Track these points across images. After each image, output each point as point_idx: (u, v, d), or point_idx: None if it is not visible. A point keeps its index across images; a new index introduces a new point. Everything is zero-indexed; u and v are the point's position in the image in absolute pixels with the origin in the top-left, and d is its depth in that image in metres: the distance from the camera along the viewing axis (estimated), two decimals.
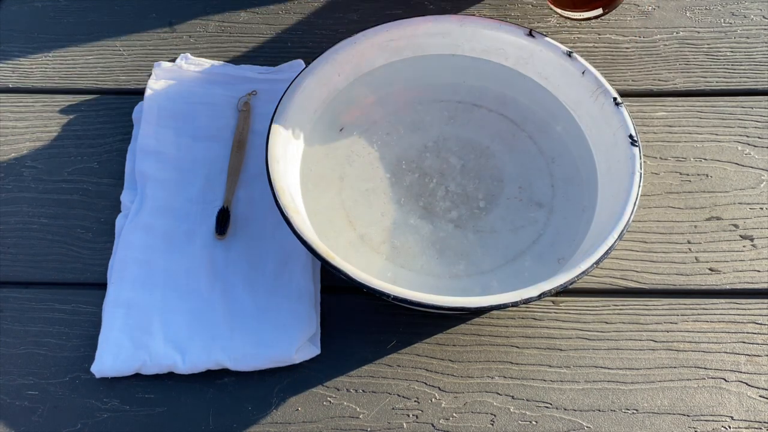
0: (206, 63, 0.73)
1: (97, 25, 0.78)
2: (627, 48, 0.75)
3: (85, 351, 0.58)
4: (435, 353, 0.58)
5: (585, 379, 0.57)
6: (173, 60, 0.73)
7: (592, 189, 0.62)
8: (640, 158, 0.58)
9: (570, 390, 0.56)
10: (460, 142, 0.66)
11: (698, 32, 0.76)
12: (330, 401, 0.56)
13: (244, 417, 0.55)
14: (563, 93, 0.66)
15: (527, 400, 0.56)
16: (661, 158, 0.67)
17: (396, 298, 0.52)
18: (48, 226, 0.64)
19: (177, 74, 0.71)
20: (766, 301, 0.60)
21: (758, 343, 0.58)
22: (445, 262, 0.60)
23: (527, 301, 0.51)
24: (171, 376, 0.57)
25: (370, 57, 0.67)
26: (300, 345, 0.57)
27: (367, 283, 0.52)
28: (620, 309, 0.60)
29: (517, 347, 0.58)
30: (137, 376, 0.57)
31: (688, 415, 0.55)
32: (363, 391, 0.56)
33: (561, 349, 0.58)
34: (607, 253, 0.53)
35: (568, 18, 0.71)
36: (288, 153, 0.61)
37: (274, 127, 0.60)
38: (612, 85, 0.63)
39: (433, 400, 0.56)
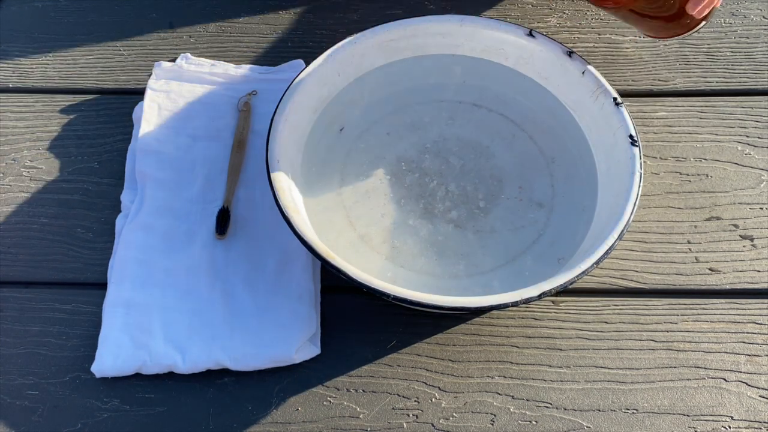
0: (206, 63, 0.73)
1: (97, 25, 0.78)
2: (627, 48, 0.75)
3: (85, 351, 0.58)
4: (435, 353, 0.58)
5: (585, 379, 0.57)
6: (173, 60, 0.73)
7: (592, 189, 0.62)
8: (640, 158, 0.58)
9: (570, 390, 0.56)
10: (460, 142, 0.66)
11: (698, 32, 0.76)
12: (330, 401, 0.56)
13: (244, 417, 0.55)
14: (563, 93, 0.66)
15: (527, 400, 0.56)
16: (661, 158, 0.67)
17: (396, 298, 0.52)
18: (48, 225, 0.64)
19: (177, 74, 0.71)
20: (766, 301, 0.60)
21: (758, 343, 0.58)
22: (445, 262, 0.60)
23: (527, 301, 0.51)
24: (171, 375, 0.57)
25: (370, 57, 0.67)
26: (300, 345, 0.57)
27: (367, 283, 0.52)
28: (620, 309, 0.60)
29: (517, 347, 0.58)
30: (137, 376, 0.57)
31: (688, 415, 0.55)
32: (363, 390, 0.56)
33: (561, 349, 0.58)
34: (607, 253, 0.53)
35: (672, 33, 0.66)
36: (288, 153, 0.61)
37: (274, 127, 0.60)
38: (612, 85, 0.63)
39: (433, 399, 0.56)
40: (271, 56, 0.75)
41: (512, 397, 0.56)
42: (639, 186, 0.57)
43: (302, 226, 0.55)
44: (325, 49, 0.65)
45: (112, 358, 0.56)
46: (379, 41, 0.66)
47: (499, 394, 0.56)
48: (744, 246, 0.62)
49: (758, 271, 0.61)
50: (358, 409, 0.56)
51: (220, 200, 0.64)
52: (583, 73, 0.63)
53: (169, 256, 0.61)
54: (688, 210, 0.64)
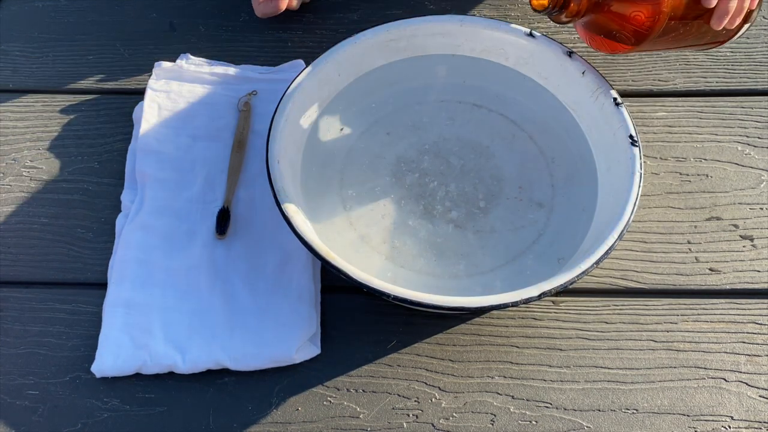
0: (206, 63, 0.73)
1: (97, 25, 0.78)
2: None
3: (85, 351, 0.58)
4: (435, 353, 0.58)
5: (585, 379, 0.57)
6: (173, 60, 0.73)
7: (592, 189, 0.62)
8: (640, 158, 0.58)
9: (570, 390, 0.56)
10: (460, 142, 0.66)
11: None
12: (330, 401, 0.56)
13: (245, 417, 0.55)
14: (563, 93, 0.66)
15: (527, 400, 0.56)
16: (661, 158, 0.67)
17: (396, 298, 0.52)
18: (48, 225, 0.64)
19: (177, 74, 0.71)
20: (766, 301, 0.60)
21: (758, 343, 0.58)
22: (445, 262, 0.60)
23: (527, 301, 0.51)
24: (171, 375, 0.57)
25: (370, 57, 0.67)
26: (300, 345, 0.57)
27: (367, 283, 0.52)
28: (620, 309, 0.60)
29: (517, 347, 0.58)
30: (137, 376, 0.57)
31: (688, 415, 0.55)
32: (363, 390, 0.56)
33: (561, 349, 0.58)
34: (607, 253, 0.53)
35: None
36: (288, 153, 0.61)
37: (275, 127, 0.60)
38: (612, 85, 0.63)
39: (433, 399, 0.56)
40: (271, 56, 0.75)
41: (512, 397, 0.56)
42: (639, 186, 0.57)
43: (302, 226, 0.55)
44: (325, 49, 0.65)
45: (112, 358, 0.56)
46: (379, 41, 0.66)
47: (499, 394, 0.56)
48: (744, 246, 0.62)
49: (758, 271, 0.61)
50: (358, 409, 0.56)
51: (220, 200, 0.64)
52: (583, 73, 0.63)
53: (169, 255, 0.61)
54: (688, 210, 0.64)
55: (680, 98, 0.71)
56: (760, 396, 0.56)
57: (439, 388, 0.56)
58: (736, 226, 0.64)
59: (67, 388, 0.56)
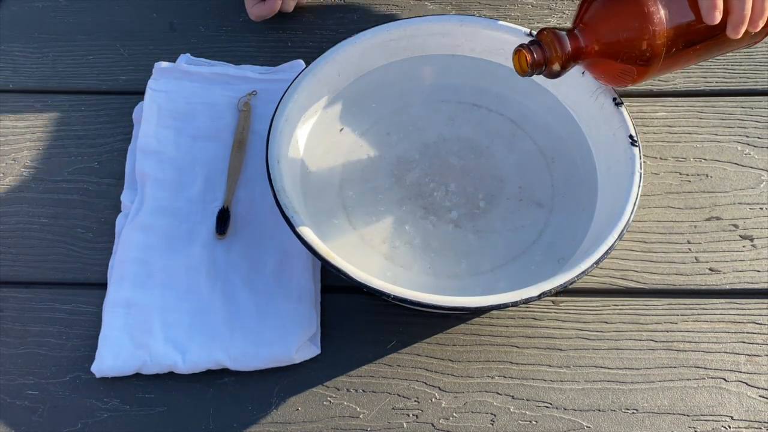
0: (206, 63, 0.73)
1: (97, 25, 0.78)
2: None
3: (85, 351, 0.58)
4: (435, 353, 0.58)
5: (585, 379, 0.57)
6: (173, 60, 0.73)
7: (592, 189, 0.62)
8: (640, 158, 0.58)
9: (570, 390, 0.56)
10: (460, 142, 0.66)
11: None
12: (330, 401, 0.56)
13: (245, 417, 0.55)
14: (563, 93, 0.66)
15: (527, 400, 0.56)
16: (661, 158, 0.67)
17: (396, 298, 0.52)
18: (48, 226, 0.64)
19: (177, 74, 0.71)
20: (765, 301, 0.60)
21: (758, 343, 0.58)
22: (445, 262, 0.60)
23: (527, 301, 0.51)
24: (171, 375, 0.57)
25: (370, 57, 0.67)
26: (300, 345, 0.57)
27: (367, 283, 0.52)
28: (620, 309, 0.60)
29: (517, 347, 0.58)
30: (137, 376, 0.57)
31: (688, 415, 0.55)
32: (363, 390, 0.56)
33: (561, 349, 0.58)
34: (607, 253, 0.53)
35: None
36: (288, 153, 0.61)
37: (274, 127, 0.60)
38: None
39: (433, 399, 0.56)
40: (271, 56, 0.75)
41: (512, 397, 0.56)
42: (639, 186, 0.57)
43: (302, 226, 0.55)
44: (325, 49, 0.65)
45: (112, 358, 0.56)
46: (379, 41, 0.66)
47: (499, 394, 0.56)
48: (744, 246, 0.62)
49: (758, 271, 0.61)
50: (358, 409, 0.56)
51: (221, 200, 0.64)
52: (582, 73, 0.63)
53: (169, 256, 0.61)
54: (688, 210, 0.64)
55: (680, 98, 0.71)
56: (760, 396, 0.56)
57: (439, 388, 0.56)
58: (736, 226, 0.64)
59: (67, 388, 0.56)
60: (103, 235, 0.64)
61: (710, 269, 0.61)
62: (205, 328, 0.58)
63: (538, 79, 0.67)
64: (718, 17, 0.51)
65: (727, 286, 0.61)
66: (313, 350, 0.57)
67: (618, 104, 0.61)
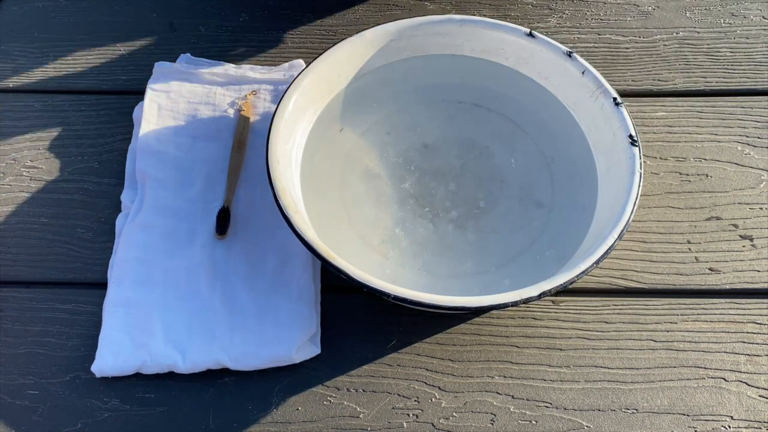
0: (206, 63, 0.73)
1: (97, 25, 0.78)
2: (627, 48, 0.75)
3: (85, 350, 0.58)
4: (435, 353, 0.58)
5: (585, 379, 0.57)
6: (174, 60, 0.73)
7: (592, 189, 0.62)
8: (640, 158, 0.58)
9: (570, 390, 0.56)
10: (460, 142, 0.66)
11: (698, 32, 0.76)
12: (330, 401, 0.56)
13: (245, 416, 0.55)
14: (563, 93, 0.66)
15: (527, 400, 0.56)
16: (661, 158, 0.68)
17: (396, 298, 0.52)
18: (48, 225, 0.64)
19: (177, 74, 0.71)
20: (765, 301, 0.60)
21: (758, 343, 0.58)
22: (444, 262, 0.60)
23: (527, 301, 0.51)
24: (171, 375, 0.57)
25: (370, 57, 0.67)
26: (300, 344, 0.57)
27: (367, 283, 0.52)
28: (620, 309, 0.60)
29: (517, 347, 0.58)
30: (137, 376, 0.57)
31: (687, 415, 0.55)
32: (363, 390, 0.56)
33: (561, 349, 0.58)
34: (607, 252, 0.53)
35: None
36: (288, 153, 0.61)
37: (275, 127, 0.60)
38: (612, 85, 0.63)
39: (433, 399, 0.56)
40: (271, 56, 0.75)
41: (512, 396, 0.56)
42: (639, 186, 0.57)
43: (302, 226, 0.55)
44: (326, 49, 0.65)
45: (112, 357, 0.56)
46: (380, 41, 0.66)
47: (499, 393, 0.56)
48: (744, 246, 0.62)
49: (758, 271, 0.61)
50: (358, 408, 0.56)
51: (221, 200, 0.64)
52: (583, 73, 0.63)
53: (169, 255, 0.61)
54: (688, 210, 0.65)
55: (680, 98, 0.71)
56: (759, 396, 0.56)
57: (439, 388, 0.56)
58: (735, 225, 0.64)
59: (67, 388, 0.56)
60: (103, 234, 0.64)
61: (710, 269, 0.61)
62: (205, 327, 0.58)
63: (539, 79, 0.67)
64: None
65: (727, 286, 0.61)
66: (313, 350, 0.57)
67: (618, 104, 0.61)
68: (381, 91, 0.69)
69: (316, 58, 0.65)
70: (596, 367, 0.57)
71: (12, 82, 0.74)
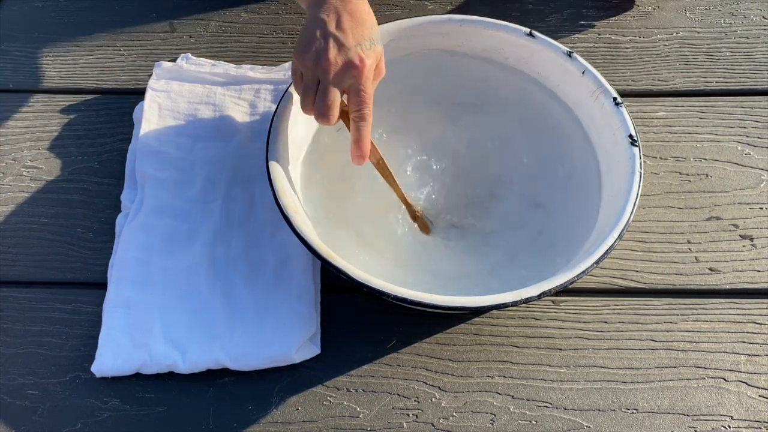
0: (206, 63, 0.73)
1: (97, 25, 0.78)
2: (627, 48, 0.75)
3: (85, 350, 0.58)
4: (435, 353, 0.58)
5: (585, 379, 0.57)
6: (174, 60, 0.73)
7: (592, 189, 0.62)
8: (640, 158, 0.58)
9: (570, 390, 0.56)
10: (460, 142, 0.66)
11: (698, 32, 0.76)
12: (330, 401, 0.56)
13: (245, 416, 0.55)
14: (563, 93, 0.66)
15: (527, 400, 0.56)
16: (661, 158, 0.68)
17: (396, 298, 0.52)
18: (48, 225, 0.64)
19: (178, 74, 0.71)
20: (765, 300, 0.60)
21: (758, 343, 0.58)
22: (444, 262, 0.60)
23: (527, 301, 0.51)
24: (171, 375, 0.57)
25: None
26: (300, 344, 0.57)
27: (367, 283, 0.52)
28: (620, 309, 0.60)
29: (517, 347, 0.58)
30: (137, 376, 0.57)
31: (687, 415, 0.55)
32: (363, 390, 0.56)
33: (561, 349, 0.58)
34: (607, 252, 0.53)
35: None
36: (288, 153, 0.61)
37: (274, 126, 0.60)
38: (612, 85, 0.63)
39: (433, 399, 0.56)
40: (271, 56, 0.75)
41: (512, 396, 0.56)
42: (639, 186, 0.57)
43: (302, 226, 0.55)
44: None
45: (112, 357, 0.56)
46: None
47: (499, 393, 0.56)
48: (744, 246, 0.62)
49: (758, 270, 0.61)
50: (358, 408, 0.56)
51: (221, 200, 0.64)
52: (583, 73, 0.63)
53: (169, 255, 0.61)
54: (688, 210, 0.64)
55: (680, 98, 0.71)
56: (759, 396, 0.56)
57: (439, 388, 0.56)
58: (735, 225, 0.64)
59: (67, 388, 0.56)
60: (103, 234, 0.64)
61: (710, 269, 0.61)
62: (205, 327, 0.58)
63: (539, 78, 0.67)
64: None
65: (727, 286, 0.61)
66: (313, 350, 0.57)
67: (618, 104, 0.61)
68: (381, 91, 0.69)
69: None
70: (596, 367, 0.57)
71: (12, 81, 0.74)
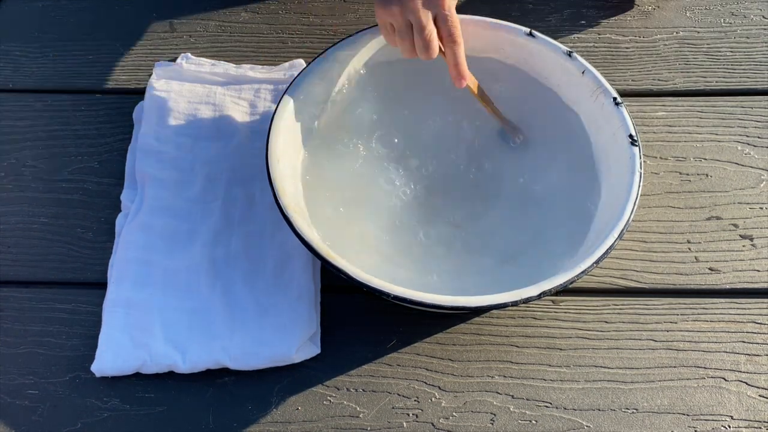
0: (206, 63, 0.73)
1: (97, 25, 0.78)
2: (627, 48, 0.75)
3: (85, 350, 0.58)
4: (435, 352, 0.58)
5: (585, 379, 0.57)
6: (174, 60, 0.73)
7: (592, 189, 0.62)
8: (640, 158, 0.58)
9: (570, 389, 0.56)
10: (460, 142, 0.66)
11: (698, 32, 0.76)
12: (330, 400, 0.56)
13: (245, 416, 0.55)
14: (563, 92, 0.66)
15: (527, 400, 0.56)
16: (661, 158, 0.67)
17: (396, 298, 0.52)
18: (48, 225, 0.64)
19: (177, 74, 0.71)
20: (765, 300, 0.60)
21: (758, 343, 0.58)
22: (444, 262, 0.60)
23: (527, 301, 0.51)
24: (171, 375, 0.57)
25: (370, 57, 0.67)
26: (300, 344, 0.57)
27: (367, 283, 0.52)
28: (620, 308, 0.60)
29: (517, 346, 0.58)
30: (137, 376, 0.57)
31: (687, 415, 0.55)
32: (363, 390, 0.56)
33: (561, 349, 0.58)
34: (607, 252, 0.53)
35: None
36: (289, 152, 0.61)
37: (275, 126, 0.60)
38: (612, 84, 0.63)
39: (433, 399, 0.56)
40: (272, 56, 0.75)
41: (512, 396, 0.56)
42: (639, 185, 0.57)
43: (302, 226, 0.55)
44: (326, 49, 0.65)
45: (112, 357, 0.56)
46: (379, 41, 0.66)
47: (499, 393, 0.56)
48: (744, 246, 0.62)
49: (758, 270, 0.61)
50: (358, 408, 0.56)
51: (221, 200, 0.64)
52: (583, 72, 0.63)
53: (169, 255, 0.61)
54: (688, 210, 0.64)
55: (680, 98, 0.71)
56: (759, 395, 0.56)
57: (439, 388, 0.56)
58: (735, 225, 0.64)
59: (66, 388, 0.56)
60: (103, 234, 0.64)
61: (710, 269, 0.61)
62: (205, 327, 0.58)
63: (539, 78, 0.67)
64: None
65: (727, 286, 0.61)
66: (312, 350, 0.57)
67: (618, 104, 0.61)
68: (381, 90, 0.69)
69: (316, 57, 0.65)
70: (596, 366, 0.57)
71: (12, 81, 0.74)
